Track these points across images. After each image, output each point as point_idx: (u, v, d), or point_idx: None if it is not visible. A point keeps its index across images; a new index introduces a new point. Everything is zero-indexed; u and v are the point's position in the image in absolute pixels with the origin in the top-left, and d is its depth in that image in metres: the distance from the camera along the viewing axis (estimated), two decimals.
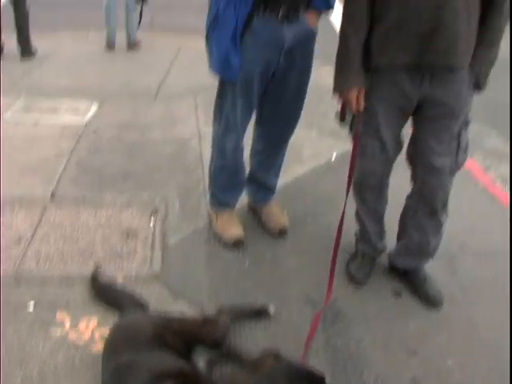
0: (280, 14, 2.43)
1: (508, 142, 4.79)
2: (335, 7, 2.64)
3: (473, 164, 4.20)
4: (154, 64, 6.14)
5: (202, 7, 2.56)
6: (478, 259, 2.99)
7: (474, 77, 2.29)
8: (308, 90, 2.76)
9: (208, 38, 2.53)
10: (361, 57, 2.28)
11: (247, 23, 2.39)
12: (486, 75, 2.32)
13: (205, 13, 2.50)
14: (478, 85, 2.31)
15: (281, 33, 2.47)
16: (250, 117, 2.75)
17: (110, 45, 6.62)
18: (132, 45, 6.67)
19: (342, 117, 2.45)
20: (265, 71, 2.55)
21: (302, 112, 2.84)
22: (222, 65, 2.46)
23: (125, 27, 6.64)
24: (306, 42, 2.61)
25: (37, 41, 6.33)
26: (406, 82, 2.25)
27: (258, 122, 2.87)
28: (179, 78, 5.65)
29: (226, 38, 2.40)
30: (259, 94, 2.64)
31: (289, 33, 2.48)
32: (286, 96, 2.68)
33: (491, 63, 2.31)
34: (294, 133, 2.92)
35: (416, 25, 2.14)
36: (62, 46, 6.70)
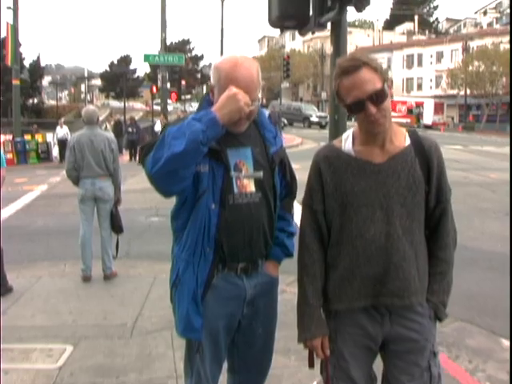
0: (239, 270, 2.54)
1: (491, 337, 4.77)
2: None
3: (458, 370, 4.11)
4: (130, 296, 6.16)
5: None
6: None
7: (432, 309, 2.35)
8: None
9: (171, 299, 2.60)
10: (320, 305, 2.37)
11: (207, 282, 2.47)
12: (444, 306, 2.39)
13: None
14: (437, 317, 2.38)
15: (242, 286, 2.56)
16: (221, 368, 2.71)
17: (86, 278, 6.68)
18: (108, 275, 6.76)
19: (310, 363, 2.44)
20: (229, 324, 2.59)
21: (279, 338, 2.84)
22: (184, 326, 2.50)
23: (101, 258, 6.76)
24: (269, 291, 2.69)
25: (14, 275, 6.41)
26: (367, 323, 2.32)
27: (230, 370, 2.83)
28: (155, 310, 5.61)
29: (188, 300, 2.47)
30: (226, 346, 2.65)
31: (250, 284, 2.57)
32: (255, 344, 2.69)
33: (447, 293, 2.39)
34: (272, 361, 2.86)
35: (368, 270, 2.28)
36: (38, 281, 6.72)
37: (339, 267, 2.34)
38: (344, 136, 2.47)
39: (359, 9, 3.81)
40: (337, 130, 4.21)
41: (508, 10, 46.10)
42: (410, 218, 2.29)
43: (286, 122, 42.46)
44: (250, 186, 2.53)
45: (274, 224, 2.64)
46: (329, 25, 4.20)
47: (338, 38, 4.15)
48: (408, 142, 2.36)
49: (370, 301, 2.29)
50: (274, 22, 4.45)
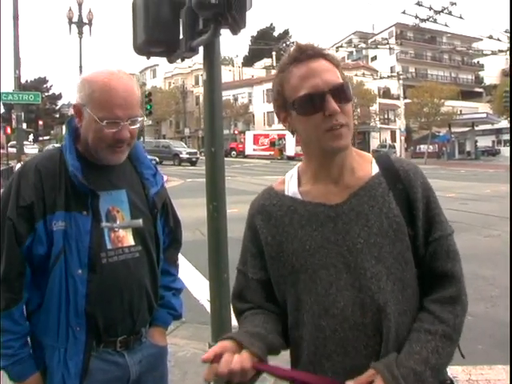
0: (118, 345, 2.01)
1: None
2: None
3: None
4: None
5: None
6: None
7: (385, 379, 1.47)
8: None
9: None
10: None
11: (84, 370, 1.92)
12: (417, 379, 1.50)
13: None
14: None
15: (123, 364, 2.04)
16: None
17: None
18: None
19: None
20: None
21: None
22: None
23: None
24: (157, 365, 2.19)
25: None
26: None
27: None
28: None
29: None
30: None
31: (133, 360, 2.06)
32: None
33: (429, 366, 1.51)
34: None
35: (342, 360, 1.58)
36: None
37: (303, 358, 1.65)
38: (287, 176, 1.81)
39: (235, 31, 3.46)
40: (214, 165, 3.80)
41: (362, 44, 49.10)
42: (391, 277, 1.58)
43: (157, 159, 41.41)
44: (128, 239, 2.04)
45: (157, 283, 2.17)
46: (201, 50, 3.85)
47: (212, 63, 3.78)
48: (376, 169, 1.70)
49: None
50: (139, 49, 3.99)
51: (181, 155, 44.62)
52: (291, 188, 1.74)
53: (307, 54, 1.62)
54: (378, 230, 1.60)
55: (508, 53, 40.28)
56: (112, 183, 2.05)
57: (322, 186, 1.68)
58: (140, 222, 2.08)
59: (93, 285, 1.93)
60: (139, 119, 2.01)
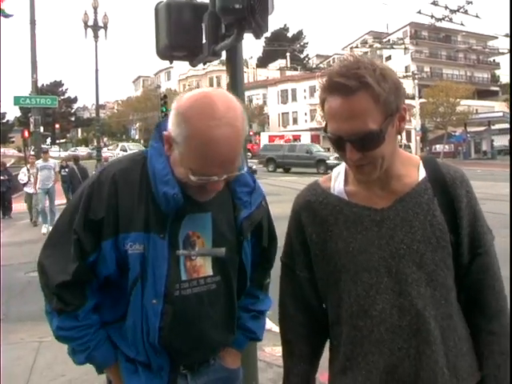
0: (181, 368, 1.89)
1: None
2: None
3: None
4: (12, 367, 5.18)
5: None
6: None
7: None
8: None
9: None
10: None
11: None
12: None
13: None
14: None
15: None
16: None
17: None
18: None
19: None
20: None
21: None
22: None
23: None
24: None
25: None
26: None
27: None
28: (44, 383, 4.80)
29: None
30: None
31: (197, 383, 1.93)
32: None
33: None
34: None
35: (376, 360, 1.65)
36: None
37: (340, 355, 1.72)
38: (334, 172, 1.80)
39: (258, 35, 3.51)
40: None
41: (377, 44, 48.97)
42: (432, 283, 1.62)
43: (253, 167, 29.22)
44: (206, 268, 1.83)
45: (234, 314, 1.99)
46: (223, 54, 3.90)
47: (235, 67, 3.83)
48: (422, 175, 1.69)
49: None
50: (162, 53, 4.05)
51: (327, 161, 34.74)
52: (337, 186, 1.75)
53: (346, 85, 1.51)
54: (421, 236, 1.62)
55: None
56: (196, 204, 1.80)
57: (368, 189, 1.69)
58: (222, 250, 1.84)
59: (167, 318, 1.77)
60: (238, 172, 1.77)
